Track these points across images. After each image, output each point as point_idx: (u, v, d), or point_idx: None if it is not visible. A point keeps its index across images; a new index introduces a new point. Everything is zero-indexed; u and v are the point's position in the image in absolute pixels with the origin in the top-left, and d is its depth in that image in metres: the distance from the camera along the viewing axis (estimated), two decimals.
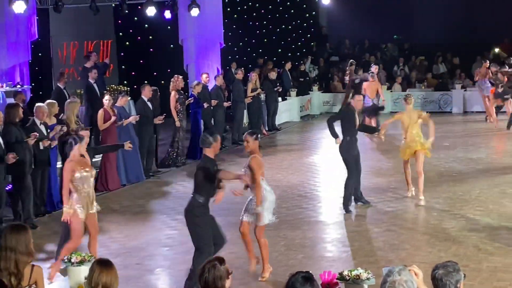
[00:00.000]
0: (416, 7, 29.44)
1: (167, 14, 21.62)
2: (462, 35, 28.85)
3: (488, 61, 23.20)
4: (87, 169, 9.22)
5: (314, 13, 31.53)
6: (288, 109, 24.94)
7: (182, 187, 14.80)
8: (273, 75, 22.62)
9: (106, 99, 14.66)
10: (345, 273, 6.88)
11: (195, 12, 20.27)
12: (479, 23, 28.84)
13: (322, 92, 27.40)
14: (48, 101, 13.38)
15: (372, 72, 21.13)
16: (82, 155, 9.32)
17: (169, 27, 23.05)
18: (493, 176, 14.60)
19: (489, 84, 22.33)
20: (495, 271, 8.93)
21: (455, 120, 23.18)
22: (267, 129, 22.25)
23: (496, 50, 27.73)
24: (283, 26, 29.74)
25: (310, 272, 4.66)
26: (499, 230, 10.69)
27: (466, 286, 8.29)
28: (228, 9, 24.79)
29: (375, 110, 19.39)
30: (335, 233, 11.24)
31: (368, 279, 6.93)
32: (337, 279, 6.60)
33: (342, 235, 11.10)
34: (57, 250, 9.64)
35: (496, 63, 22.29)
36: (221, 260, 5.18)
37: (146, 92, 15.82)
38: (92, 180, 9.36)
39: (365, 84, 20.97)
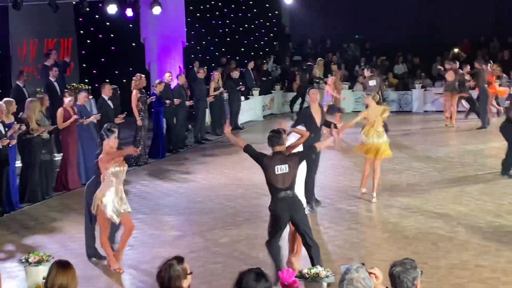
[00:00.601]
0: (377, 7, 29.69)
1: (129, 12, 21.46)
2: (422, 35, 29.21)
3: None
4: (119, 164, 9.23)
5: (277, 12, 31.64)
6: (250, 108, 24.96)
7: (144, 186, 14.74)
8: (235, 74, 22.61)
9: (68, 99, 14.47)
10: (305, 271, 6.91)
11: (157, 10, 20.18)
12: (439, 24, 29.24)
13: (284, 91, 27.48)
14: (5, 99, 13.23)
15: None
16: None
17: (130, 25, 22.90)
18: (452, 174, 14.78)
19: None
20: (453, 268, 9.03)
21: (415, 119, 23.44)
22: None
23: (456, 50, 28.09)
24: (246, 25, 29.77)
25: (262, 268, 4.66)
26: (457, 228, 10.83)
27: (424, 283, 8.40)
28: (191, 7, 24.72)
29: (337, 109, 19.55)
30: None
31: (327, 276, 6.97)
32: (296, 277, 6.63)
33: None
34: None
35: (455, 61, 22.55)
36: (180, 260, 5.15)
37: (106, 91, 15.70)
38: (123, 176, 9.38)
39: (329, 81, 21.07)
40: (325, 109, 14.44)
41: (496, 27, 29.34)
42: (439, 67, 22.53)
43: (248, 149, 8.55)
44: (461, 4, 29.06)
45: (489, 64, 22.55)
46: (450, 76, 21.56)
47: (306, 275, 6.82)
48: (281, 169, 8.21)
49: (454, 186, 13.72)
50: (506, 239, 10.08)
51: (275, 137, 8.40)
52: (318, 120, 12.06)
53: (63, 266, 5.18)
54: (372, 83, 19.93)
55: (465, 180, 14.09)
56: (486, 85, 21.16)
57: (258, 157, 8.46)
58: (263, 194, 13.55)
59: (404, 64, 28.45)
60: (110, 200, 9.12)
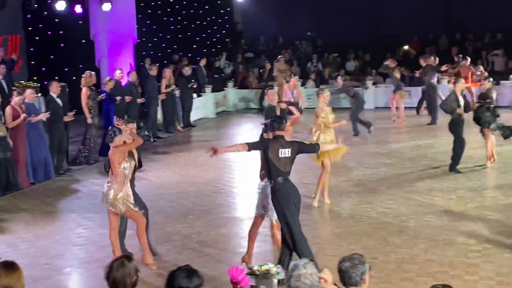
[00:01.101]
0: (329, 4, 29.89)
1: (78, 9, 21.20)
2: (373, 32, 29.51)
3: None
4: (128, 159, 9.12)
5: (228, 9, 31.60)
6: (203, 106, 24.88)
7: (94, 185, 14.55)
8: (187, 71, 22.50)
9: (18, 98, 14.16)
10: (255, 268, 6.90)
11: (106, 7, 19.98)
12: (389, 21, 29.57)
13: (237, 89, 27.47)
14: None
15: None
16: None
17: (80, 22, 22.59)
18: (402, 170, 14.95)
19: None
20: (402, 262, 9.14)
21: (366, 116, 23.58)
22: (182, 125, 22.13)
23: (406, 47, 28.43)
24: (198, 22, 29.66)
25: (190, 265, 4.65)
26: (407, 223, 10.95)
27: (374, 278, 8.52)
28: (142, 4, 24.51)
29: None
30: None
31: (277, 273, 6.97)
32: (247, 274, 6.62)
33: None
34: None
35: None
36: (129, 258, 5.11)
37: (54, 89, 15.42)
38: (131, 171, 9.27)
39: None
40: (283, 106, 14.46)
41: (445, 24, 29.79)
42: (387, 63, 22.78)
43: (251, 146, 8.67)
44: (410, 1, 29.41)
45: (465, 60, 23.00)
46: (396, 73, 21.87)
47: (257, 272, 6.81)
48: (284, 152, 8.36)
49: (404, 181, 13.88)
50: (454, 233, 10.23)
51: (277, 121, 8.55)
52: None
53: (8, 266, 5.06)
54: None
55: (415, 176, 14.27)
56: (434, 81, 21.47)
57: (263, 143, 8.62)
58: (216, 192, 13.63)
59: (356, 61, 28.68)
60: (123, 197, 9.05)
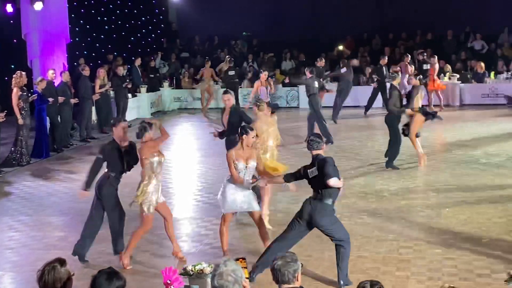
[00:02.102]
0: (264, 4, 30.02)
1: (9, 8, 20.74)
2: (307, 32, 29.73)
3: (409, 56, 24.17)
4: (158, 154, 9.14)
5: (163, 9, 31.43)
6: (138, 106, 24.68)
7: (27, 187, 14.30)
8: (122, 71, 22.28)
9: None
10: (189, 268, 6.88)
11: (38, 6, 19.60)
12: (323, 20, 29.85)
13: (172, 89, 27.34)
14: None
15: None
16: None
17: (11, 21, 22.12)
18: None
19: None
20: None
21: (302, 115, 23.78)
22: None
23: (340, 47, 28.77)
24: (133, 22, 29.41)
25: (113, 267, 4.66)
26: (342, 220, 11.06)
27: (309, 275, 8.61)
28: (75, 3, 24.17)
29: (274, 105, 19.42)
30: (185, 229, 11.23)
31: (211, 273, 6.96)
32: (180, 274, 6.61)
33: (192, 230, 11.13)
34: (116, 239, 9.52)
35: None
36: (62, 262, 5.05)
37: None
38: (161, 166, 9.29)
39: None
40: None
41: (378, 24, 30.26)
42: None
43: (289, 178, 8.78)
44: (343, 1, 29.78)
45: (433, 59, 23.48)
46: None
47: (191, 272, 6.80)
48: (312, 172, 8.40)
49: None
50: (387, 230, 10.40)
51: (314, 141, 8.49)
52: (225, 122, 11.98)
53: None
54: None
55: (349, 173, 14.42)
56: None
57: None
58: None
59: (291, 61, 28.88)
60: (150, 193, 9.07)
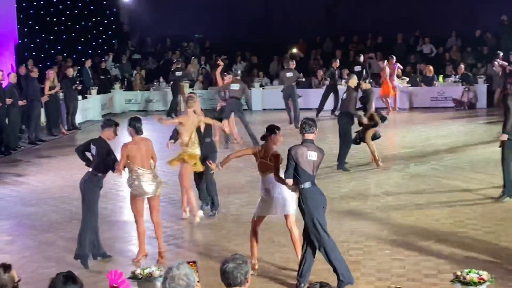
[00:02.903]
0: (216, 6, 29.97)
1: None
2: (260, 34, 29.79)
3: (394, 58, 24.51)
4: None
5: (115, 10, 31.13)
6: (88, 108, 24.41)
7: None
8: (71, 72, 22.00)
9: None
10: (138, 271, 6.83)
11: None
12: (276, 23, 29.95)
13: (124, 90, 27.12)
14: None
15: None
16: None
17: None
18: None
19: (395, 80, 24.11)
20: (287, 261, 9.27)
21: (254, 118, 23.82)
22: (66, 128, 21.63)
23: (294, 50, 28.90)
24: (83, 23, 29.07)
25: (71, 271, 4.61)
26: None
27: (260, 278, 8.61)
28: (23, 4, 23.79)
29: None
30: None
31: (160, 276, 6.92)
32: (129, 277, 6.55)
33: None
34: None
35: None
36: (6, 267, 4.94)
37: None
38: None
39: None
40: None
41: (330, 28, 30.48)
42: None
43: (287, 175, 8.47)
44: (295, 4, 29.91)
45: (386, 61, 23.67)
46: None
47: (139, 275, 6.74)
48: (312, 155, 8.29)
49: None
50: (337, 231, 10.44)
51: (308, 124, 8.37)
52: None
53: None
54: (234, 87, 19.78)
55: None
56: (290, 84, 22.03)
57: (290, 158, 8.38)
58: (101, 195, 13.31)
59: (243, 63, 28.89)
60: None
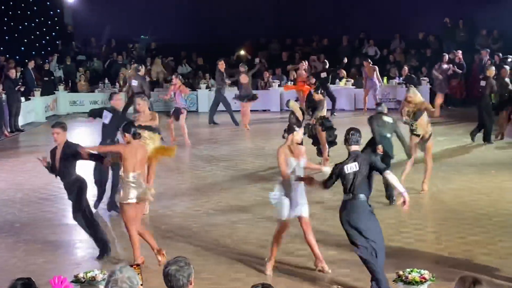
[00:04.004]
0: (162, 7, 29.80)
1: None
2: (205, 36, 29.71)
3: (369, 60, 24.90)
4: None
5: (58, 10, 30.66)
6: (32, 109, 24.02)
7: None
8: (14, 73, 21.61)
9: None
10: (81, 275, 6.75)
11: None
12: (222, 25, 29.91)
13: (68, 92, 26.75)
14: None
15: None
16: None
17: None
18: (234, 172, 15.15)
19: (376, 81, 24.28)
20: (233, 263, 9.28)
21: (200, 119, 23.81)
22: (9, 130, 21.25)
23: (242, 52, 28.93)
24: (26, 23, 28.57)
25: (32, 278, 4.55)
26: (238, 224, 11.16)
27: (205, 280, 8.59)
28: None
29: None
30: (79, 235, 10.98)
31: (104, 280, 6.85)
32: (72, 281, 6.48)
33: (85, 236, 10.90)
34: None
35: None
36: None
37: None
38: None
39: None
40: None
41: (276, 30, 30.61)
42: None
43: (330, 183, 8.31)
44: (242, 5, 29.93)
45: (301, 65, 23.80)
46: (243, 79, 22.19)
47: (82, 279, 6.67)
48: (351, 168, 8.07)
49: (236, 183, 14.09)
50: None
51: (355, 135, 8.14)
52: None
53: None
54: (133, 83, 19.93)
55: (246, 178, 14.51)
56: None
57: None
58: (44, 198, 13.17)
59: (187, 65, 28.80)
60: None
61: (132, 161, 8.99)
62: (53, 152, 9.68)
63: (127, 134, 9.06)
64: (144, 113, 11.85)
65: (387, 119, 12.09)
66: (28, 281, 4.51)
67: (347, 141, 8.15)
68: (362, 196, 7.94)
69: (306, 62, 24.33)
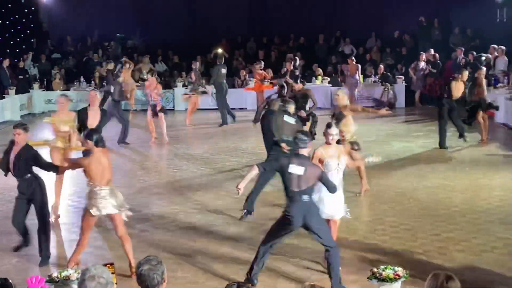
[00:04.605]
0: (137, 6, 29.72)
1: None
2: (182, 34, 29.70)
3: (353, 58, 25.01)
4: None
5: (33, 8, 30.44)
6: (6, 108, 23.81)
7: None
8: None
9: None
10: (55, 274, 6.72)
11: None
12: (199, 24, 29.91)
13: (43, 90, 26.56)
14: None
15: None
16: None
17: None
18: (210, 171, 15.13)
19: (358, 79, 24.48)
20: (209, 262, 9.28)
21: (177, 118, 23.74)
22: None
23: (219, 50, 28.89)
24: (0, 22, 28.31)
25: (8, 278, 4.52)
26: (214, 223, 11.15)
27: (181, 279, 8.58)
28: None
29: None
30: (52, 234, 10.89)
31: (77, 279, 6.81)
32: (46, 281, 6.46)
33: (66, 236, 10.85)
34: None
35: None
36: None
37: None
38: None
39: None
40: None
41: (253, 28, 30.64)
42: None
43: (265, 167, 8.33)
44: (218, 4, 29.92)
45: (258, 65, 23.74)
46: (194, 75, 22.20)
47: (56, 278, 6.63)
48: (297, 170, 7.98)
49: (212, 182, 14.08)
50: (258, 231, 10.48)
51: (301, 139, 8.08)
52: (93, 123, 11.78)
53: None
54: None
55: (222, 176, 14.51)
56: (223, 81, 21.95)
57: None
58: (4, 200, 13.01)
59: (163, 63, 28.73)
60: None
61: (99, 171, 8.52)
62: (8, 151, 9.61)
63: (89, 142, 8.61)
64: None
65: (289, 119, 11.61)
66: (5, 281, 4.48)
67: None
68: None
69: (262, 62, 23.96)
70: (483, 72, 17.36)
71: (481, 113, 16.99)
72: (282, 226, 8.17)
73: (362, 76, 25.94)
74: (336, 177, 8.73)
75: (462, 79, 16.47)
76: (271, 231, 8.31)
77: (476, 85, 17.05)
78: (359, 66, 24.81)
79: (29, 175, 9.45)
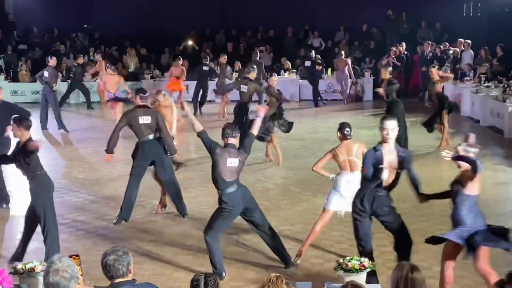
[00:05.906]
0: None
1: None
2: (149, 26, 29.52)
3: (343, 53, 25.12)
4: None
5: None
6: None
7: None
8: None
9: None
10: (19, 266, 6.64)
11: None
12: (167, 15, 29.77)
13: (9, 82, 26.23)
14: None
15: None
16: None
17: None
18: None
19: (347, 74, 24.65)
20: (176, 254, 9.28)
21: None
22: None
23: (190, 42, 28.79)
24: None
25: None
26: (180, 216, 11.13)
27: (149, 271, 8.56)
28: None
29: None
30: (20, 227, 10.81)
31: (42, 271, 6.76)
32: (10, 273, 6.43)
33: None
34: None
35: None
36: None
37: None
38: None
39: (105, 77, 20.92)
40: None
41: (221, 21, 30.57)
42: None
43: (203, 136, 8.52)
44: None
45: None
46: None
47: (21, 270, 6.58)
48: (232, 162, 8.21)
49: (187, 181, 14.01)
50: (231, 230, 10.42)
51: (230, 128, 8.35)
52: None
53: None
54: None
55: (186, 175, 14.34)
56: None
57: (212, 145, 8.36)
58: None
59: (133, 55, 28.52)
60: None
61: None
62: None
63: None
64: None
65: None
66: None
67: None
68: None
69: (181, 59, 23.71)
70: (434, 70, 16.55)
71: (445, 115, 16.28)
72: (226, 220, 8.46)
73: (330, 69, 26.00)
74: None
75: (433, 78, 16.22)
76: (214, 224, 8.42)
77: (429, 82, 16.64)
78: (349, 61, 24.91)
79: None
